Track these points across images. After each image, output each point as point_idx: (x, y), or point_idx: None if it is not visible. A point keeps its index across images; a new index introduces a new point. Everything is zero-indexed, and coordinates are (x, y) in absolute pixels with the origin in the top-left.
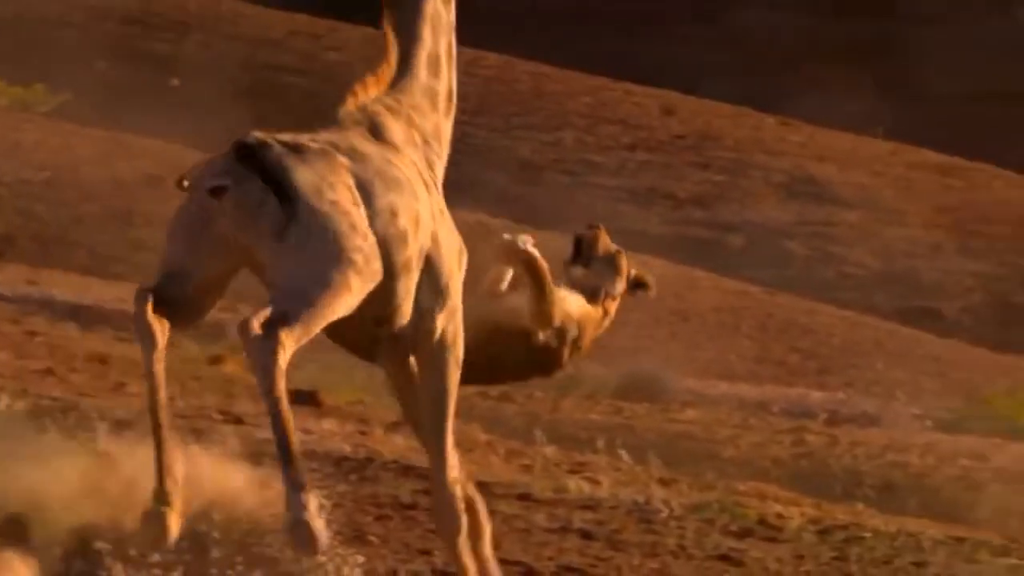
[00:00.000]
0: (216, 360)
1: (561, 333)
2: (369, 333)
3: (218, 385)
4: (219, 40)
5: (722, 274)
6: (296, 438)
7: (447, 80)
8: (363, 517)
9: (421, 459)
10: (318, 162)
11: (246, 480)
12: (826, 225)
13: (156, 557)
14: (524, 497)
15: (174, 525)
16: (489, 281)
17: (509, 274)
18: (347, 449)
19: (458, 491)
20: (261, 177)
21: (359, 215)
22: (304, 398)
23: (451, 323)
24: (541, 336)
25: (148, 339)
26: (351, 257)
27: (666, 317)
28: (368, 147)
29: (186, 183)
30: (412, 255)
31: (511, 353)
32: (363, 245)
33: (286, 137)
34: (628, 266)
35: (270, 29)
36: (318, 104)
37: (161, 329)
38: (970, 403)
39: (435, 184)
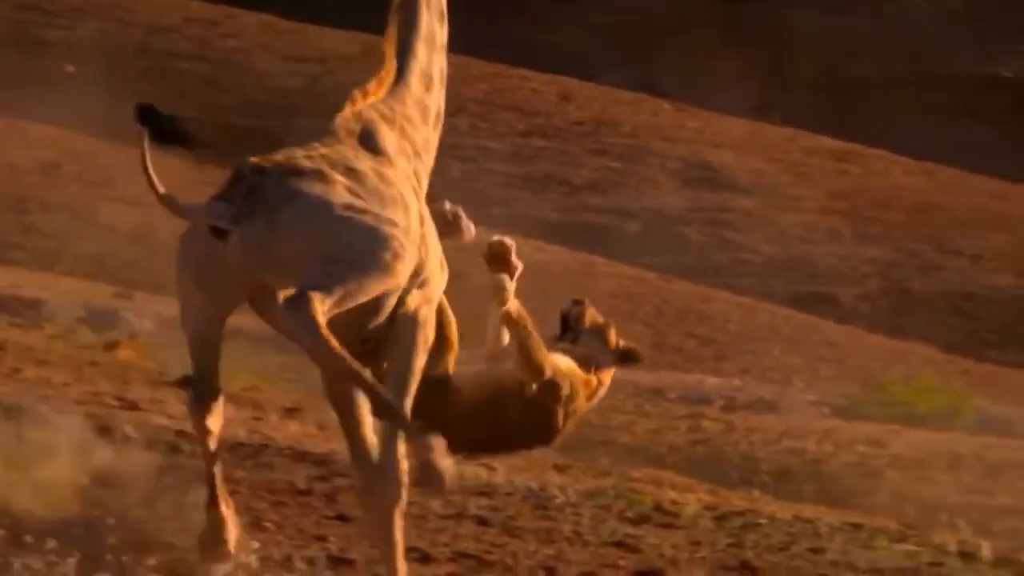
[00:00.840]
0: (112, 347)
1: (553, 388)
2: (355, 351)
3: (114, 371)
4: (115, 26)
5: (618, 260)
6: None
7: (437, 99)
8: (258, 503)
9: (317, 445)
10: (316, 182)
11: (141, 465)
12: (722, 211)
13: (52, 543)
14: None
15: (232, 544)
16: (491, 341)
17: (506, 333)
18: (242, 435)
19: (404, 467)
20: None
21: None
22: None
23: (426, 306)
24: (534, 387)
25: (205, 436)
26: (390, 243)
27: (561, 303)
28: (362, 162)
29: (162, 191)
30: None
31: (510, 413)
32: (396, 232)
33: (280, 157)
34: (616, 337)
35: (165, 16)
36: (214, 90)
37: (216, 421)
38: (866, 389)
39: (421, 195)
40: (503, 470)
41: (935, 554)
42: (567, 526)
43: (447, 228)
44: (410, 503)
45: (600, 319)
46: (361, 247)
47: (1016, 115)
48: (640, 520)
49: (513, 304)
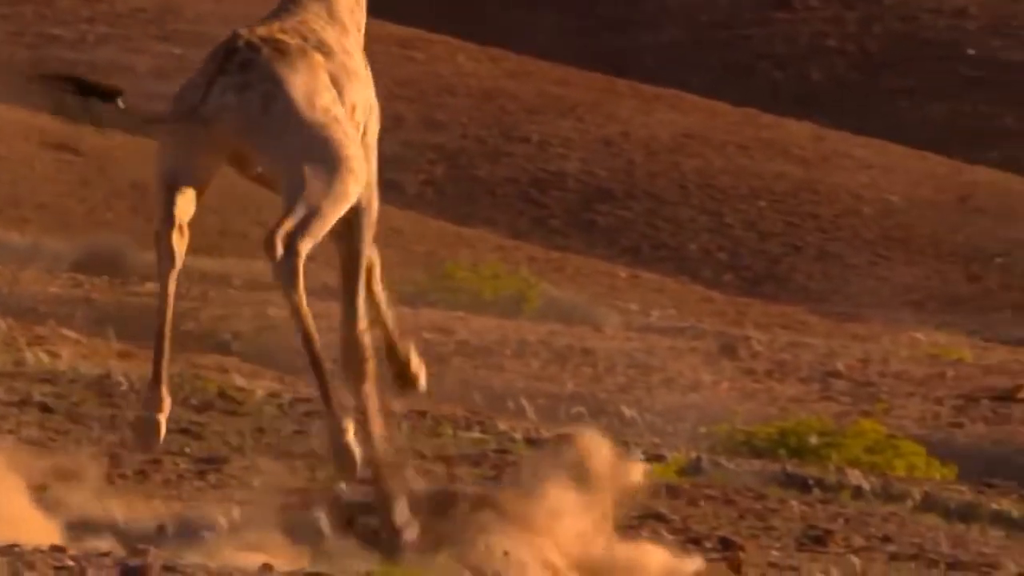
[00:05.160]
0: None
1: None
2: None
3: None
4: None
5: None
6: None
7: None
8: None
9: None
10: (300, 62)
11: None
12: None
13: None
14: None
15: (163, 429)
16: None
17: None
18: None
19: (367, 340)
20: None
21: (344, 117)
22: None
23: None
24: None
25: (168, 260)
26: (350, 166)
27: (126, 191)
28: (328, 34)
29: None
30: (358, 143)
31: None
32: (357, 153)
33: (263, 31)
34: None
35: None
36: None
37: (180, 252)
38: (432, 276)
39: (360, 26)
40: (67, 357)
41: (502, 441)
42: (131, 413)
43: None
44: None
45: None
46: (334, 177)
47: (585, 1)
48: (205, 407)
49: None
